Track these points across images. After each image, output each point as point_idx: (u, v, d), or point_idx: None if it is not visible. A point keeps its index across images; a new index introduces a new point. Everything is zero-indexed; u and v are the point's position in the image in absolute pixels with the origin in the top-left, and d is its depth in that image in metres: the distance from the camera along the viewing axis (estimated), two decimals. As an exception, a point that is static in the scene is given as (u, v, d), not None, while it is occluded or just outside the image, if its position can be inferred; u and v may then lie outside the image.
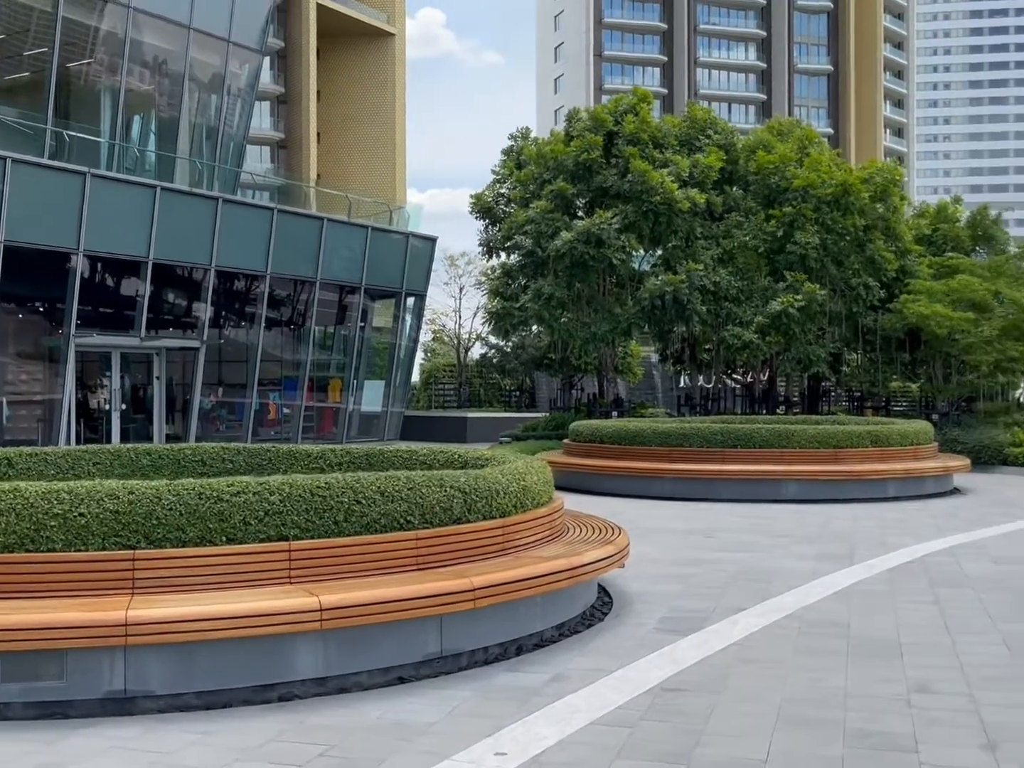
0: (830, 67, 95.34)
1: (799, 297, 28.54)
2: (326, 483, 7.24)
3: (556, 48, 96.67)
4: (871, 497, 18.54)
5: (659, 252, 31.03)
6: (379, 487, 7.41)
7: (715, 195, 30.54)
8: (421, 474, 7.89)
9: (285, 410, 30.54)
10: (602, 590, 9.72)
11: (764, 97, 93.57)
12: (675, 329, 32.17)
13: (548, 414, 35.02)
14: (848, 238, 29.86)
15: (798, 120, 38.47)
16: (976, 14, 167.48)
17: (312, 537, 7.06)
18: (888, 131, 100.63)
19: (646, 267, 31.68)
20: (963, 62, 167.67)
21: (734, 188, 31.50)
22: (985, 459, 25.15)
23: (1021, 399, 36.77)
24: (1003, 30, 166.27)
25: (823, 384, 36.68)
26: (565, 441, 22.42)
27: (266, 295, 28.45)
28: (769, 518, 15.96)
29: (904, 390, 38.93)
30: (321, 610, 6.42)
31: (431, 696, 6.56)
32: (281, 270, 28.31)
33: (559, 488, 19.75)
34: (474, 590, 7.06)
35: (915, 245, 31.92)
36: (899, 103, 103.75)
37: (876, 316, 30.91)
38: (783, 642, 7.95)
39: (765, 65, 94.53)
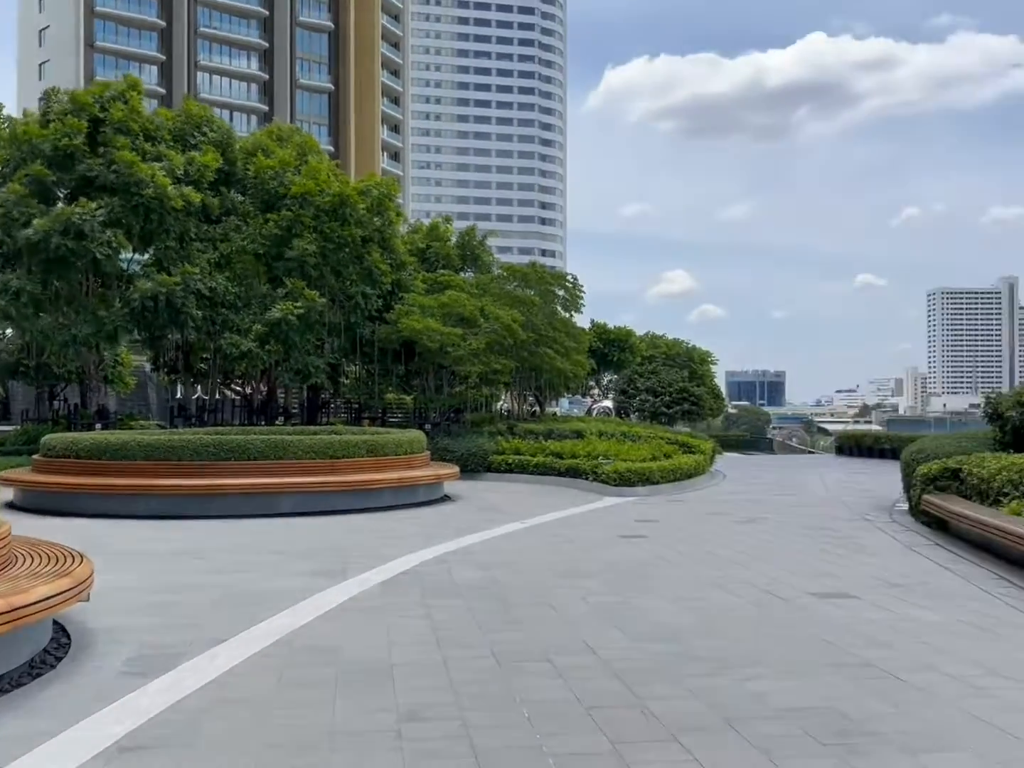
0: (331, 86, 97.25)
1: (298, 305, 28.12)
2: None
3: (41, 31, 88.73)
4: (367, 507, 18.44)
5: (151, 252, 29.03)
6: None
7: (212, 196, 29.26)
8: None
9: None
10: (61, 629, 8.25)
11: (266, 108, 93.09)
12: (169, 335, 30.32)
13: (20, 427, 31.35)
14: (347, 249, 30.01)
15: (298, 127, 38.26)
16: (463, 53, 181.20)
17: None
18: (386, 154, 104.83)
19: (137, 268, 29.51)
20: (452, 96, 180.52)
21: (232, 190, 30.42)
22: (472, 466, 26.40)
23: (503, 410, 39.49)
24: (486, 71, 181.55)
25: (323, 395, 36.68)
26: (35, 457, 19.91)
27: None
28: (264, 534, 15.14)
29: (400, 402, 40.13)
30: None
31: None
32: None
33: (27, 510, 17.54)
34: None
35: (409, 257, 32.94)
36: (395, 128, 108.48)
37: (374, 327, 31.41)
38: (268, 675, 7.12)
39: (267, 76, 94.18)
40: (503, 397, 39.93)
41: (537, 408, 39.63)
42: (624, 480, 22.92)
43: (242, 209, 30.10)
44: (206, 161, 28.85)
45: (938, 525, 15.21)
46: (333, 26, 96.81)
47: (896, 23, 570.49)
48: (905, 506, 18.36)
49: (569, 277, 37.87)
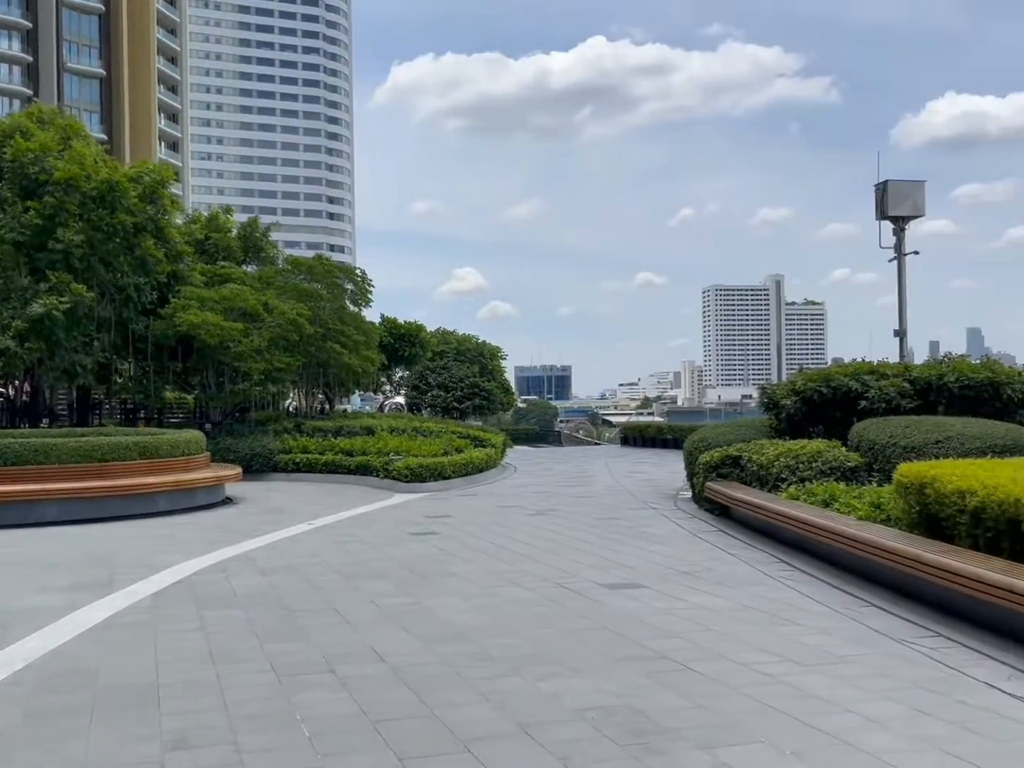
0: (103, 71, 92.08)
1: (64, 299, 26.14)
2: None
3: None
4: (141, 513, 17.39)
5: None
6: None
7: (-37, 181, 26.85)
8: None
9: None
10: None
11: (31, 92, 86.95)
12: (-84, 333, 27.63)
13: None
14: (118, 239, 28.14)
15: (61, 110, 35.76)
16: (245, 43, 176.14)
17: None
18: (163, 144, 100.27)
19: None
20: (234, 86, 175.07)
21: (-13, 176, 28.02)
22: (257, 467, 25.46)
23: (291, 408, 38.35)
24: (269, 62, 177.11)
25: (94, 396, 34.42)
26: None
27: None
28: (22, 545, 13.92)
29: (180, 401, 38.25)
30: None
31: None
32: None
33: None
34: None
35: (187, 248, 31.35)
36: (174, 117, 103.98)
37: (148, 322, 29.66)
38: (11, 706, 6.29)
39: (31, 59, 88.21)
40: (291, 394, 38.77)
41: (327, 405, 38.69)
42: (416, 476, 22.57)
43: (-1, 195, 27.79)
44: (-46, 143, 26.49)
45: (721, 511, 15.59)
46: (103, 8, 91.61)
47: (671, 31, 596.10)
48: (689, 494, 18.81)
49: (358, 271, 37.19)
